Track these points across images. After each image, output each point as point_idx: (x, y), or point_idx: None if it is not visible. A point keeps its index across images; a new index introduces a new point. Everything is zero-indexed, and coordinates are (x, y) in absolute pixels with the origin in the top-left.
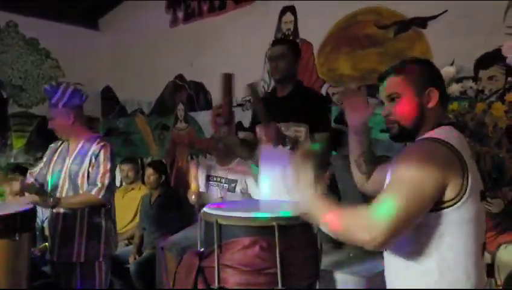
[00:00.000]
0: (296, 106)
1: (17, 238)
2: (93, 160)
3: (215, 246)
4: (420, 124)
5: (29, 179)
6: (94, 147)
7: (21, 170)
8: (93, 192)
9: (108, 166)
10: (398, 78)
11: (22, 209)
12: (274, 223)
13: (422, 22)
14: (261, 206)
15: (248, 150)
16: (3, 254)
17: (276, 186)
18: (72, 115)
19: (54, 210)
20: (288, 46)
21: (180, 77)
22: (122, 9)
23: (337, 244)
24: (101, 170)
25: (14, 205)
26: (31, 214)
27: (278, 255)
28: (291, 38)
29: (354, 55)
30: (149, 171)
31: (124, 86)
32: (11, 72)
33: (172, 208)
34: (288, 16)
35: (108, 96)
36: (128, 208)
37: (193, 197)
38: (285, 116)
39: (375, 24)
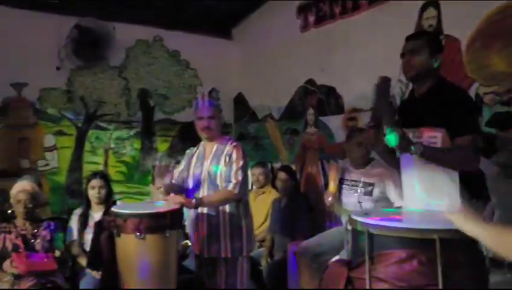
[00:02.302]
0: (432, 107)
1: (168, 234)
2: (227, 159)
3: (366, 257)
4: None
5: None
6: (228, 148)
7: None
8: (229, 188)
9: (241, 163)
10: None
11: (172, 208)
12: (435, 236)
13: None
14: (416, 217)
15: (392, 157)
16: (156, 249)
17: (413, 194)
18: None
19: (199, 210)
20: (424, 40)
21: (310, 81)
22: (254, 18)
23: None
24: (234, 167)
25: (164, 204)
26: (179, 212)
27: (439, 272)
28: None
29: (510, 50)
30: (280, 175)
31: (255, 92)
32: (156, 82)
33: (302, 212)
34: (431, 11)
35: (240, 102)
36: (259, 211)
37: (330, 198)
38: (421, 119)
39: None
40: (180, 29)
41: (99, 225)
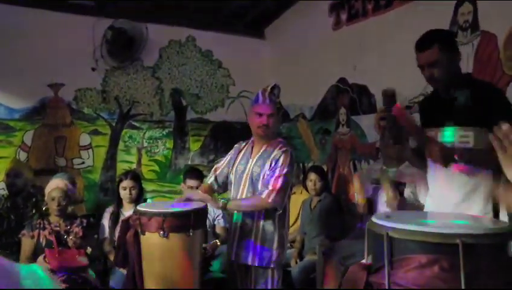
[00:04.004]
0: (462, 105)
1: (191, 234)
2: (273, 164)
3: (386, 262)
4: None
5: (210, 179)
6: (276, 152)
7: (195, 172)
8: (263, 195)
9: (285, 171)
10: None
11: (195, 207)
12: (458, 241)
13: None
14: (438, 220)
15: (420, 160)
16: (179, 248)
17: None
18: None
19: (235, 214)
20: (437, 47)
21: (342, 80)
22: (286, 17)
23: None
24: (276, 173)
25: (188, 203)
26: (203, 212)
27: (462, 278)
28: (469, 29)
29: None
30: (311, 176)
31: (286, 91)
32: (189, 82)
33: (333, 214)
34: (467, 6)
35: None
36: (290, 211)
37: (361, 210)
38: (450, 119)
39: None
40: (213, 29)
41: (126, 223)
